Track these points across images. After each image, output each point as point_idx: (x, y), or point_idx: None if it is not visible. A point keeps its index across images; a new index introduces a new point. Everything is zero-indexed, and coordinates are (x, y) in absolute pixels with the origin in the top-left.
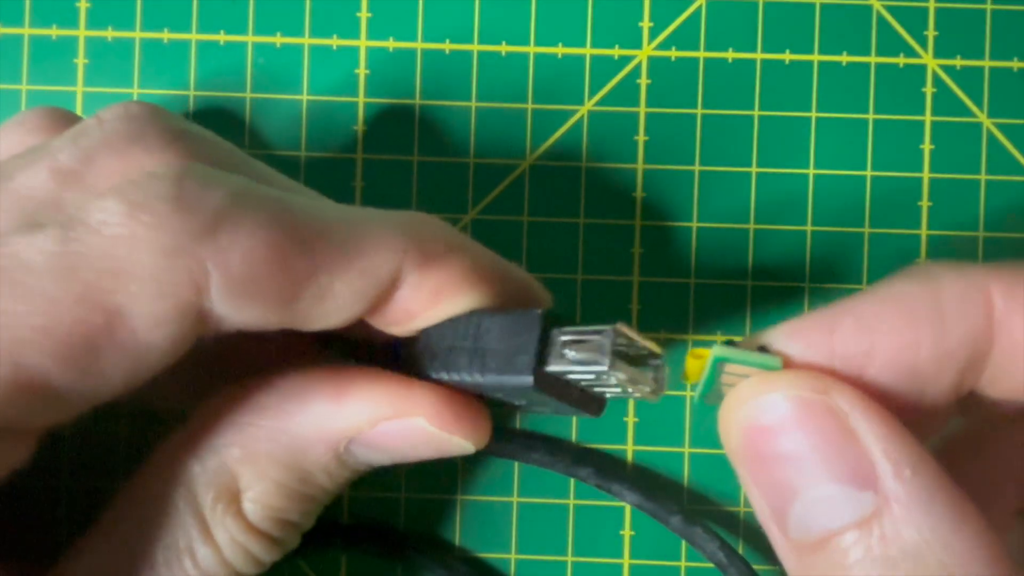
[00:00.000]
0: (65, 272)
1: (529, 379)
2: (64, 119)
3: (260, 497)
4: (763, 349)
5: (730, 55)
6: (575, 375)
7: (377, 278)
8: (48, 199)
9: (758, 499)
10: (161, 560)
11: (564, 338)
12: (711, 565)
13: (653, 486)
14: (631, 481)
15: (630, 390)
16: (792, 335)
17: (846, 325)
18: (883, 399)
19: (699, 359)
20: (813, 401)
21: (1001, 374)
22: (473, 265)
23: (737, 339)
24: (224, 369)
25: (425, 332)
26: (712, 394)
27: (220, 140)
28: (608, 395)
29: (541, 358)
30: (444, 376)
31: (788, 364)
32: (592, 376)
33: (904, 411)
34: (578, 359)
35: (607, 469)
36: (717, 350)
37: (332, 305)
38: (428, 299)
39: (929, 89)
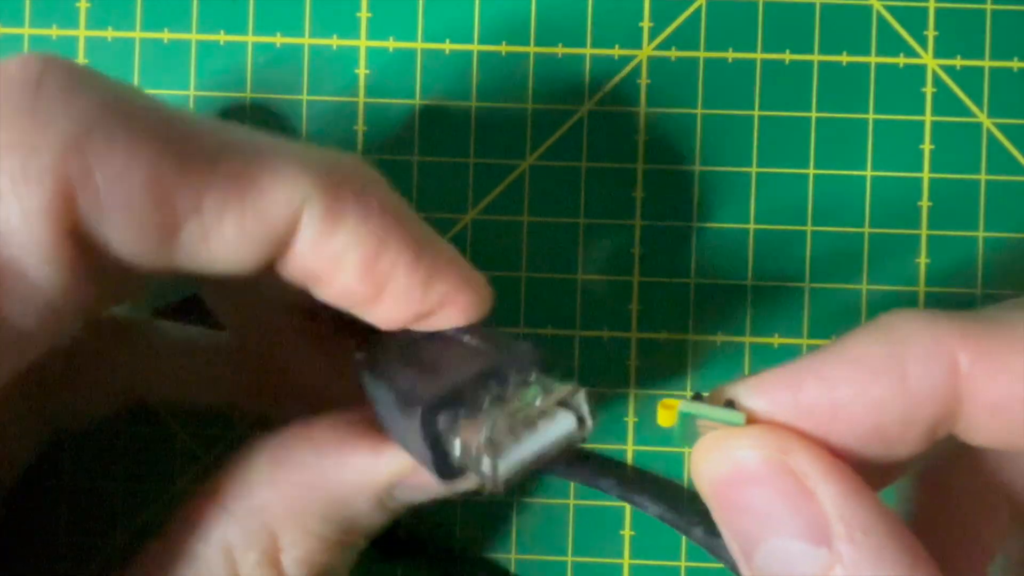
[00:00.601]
0: None
1: (416, 414)
2: None
3: (303, 555)
4: (730, 403)
5: (730, 55)
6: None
7: (270, 221)
8: None
9: (727, 538)
10: None
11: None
12: (711, 565)
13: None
14: (652, 493)
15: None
16: (757, 390)
17: (810, 384)
18: (849, 455)
19: (669, 409)
20: (773, 459)
21: (974, 429)
22: (392, 237)
23: (705, 394)
24: (241, 361)
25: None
26: (687, 438)
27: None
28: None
29: (447, 400)
30: (370, 388)
31: (752, 420)
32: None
33: (873, 461)
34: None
35: (629, 480)
36: (683, 406)
37: (219, 245)
38: (329, 262)
39: (929, 89)
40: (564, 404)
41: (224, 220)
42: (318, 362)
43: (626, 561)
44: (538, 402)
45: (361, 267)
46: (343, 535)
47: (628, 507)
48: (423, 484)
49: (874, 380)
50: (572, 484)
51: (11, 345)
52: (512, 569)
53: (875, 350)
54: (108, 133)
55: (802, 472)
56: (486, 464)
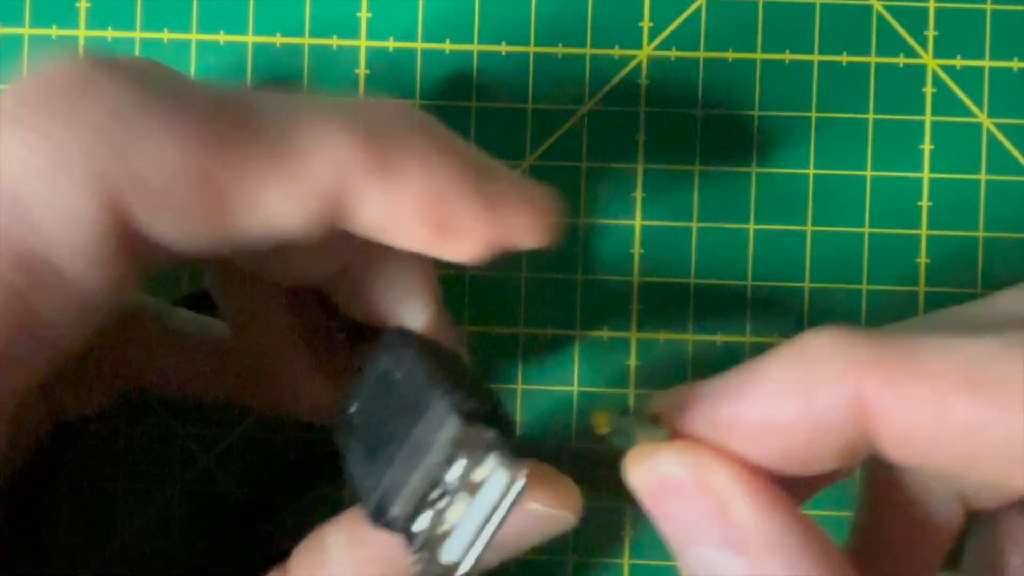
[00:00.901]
0: None
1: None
2: None
3: None
4: (656, 419)
5: (730, 55)
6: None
7: (316, 185)
8: None
9: (663, 537)
10: None
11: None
12: None
13: None
14: None
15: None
16: (678, 407)
17: (724, 402)
18: (767, 469)
19: (600, 420)
20: (691, 475)
21: (888, 451)
22: (446, 170)
23: (630, 408)
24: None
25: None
26: (625, 442)
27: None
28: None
29: (389, 496)
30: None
31: (674, 436)
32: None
33: (794, 476)
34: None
35: None
36: (611, 421)
37: (269, 215)
38: (387, 213)
39: (929, 89)
40: (487, 458)
41: (270, 191)
42: (312, 367)
43: (626, 561)
44: (460, 477)
45: (421, 212)
46: None
47: (628, 507)
48: (499, 542)
49: (781, 403)
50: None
51: (48, 345)
52: (512, 569)
53: (785, 373)
54: (143, 125)
55: (718, 487)
56: (424, 559)
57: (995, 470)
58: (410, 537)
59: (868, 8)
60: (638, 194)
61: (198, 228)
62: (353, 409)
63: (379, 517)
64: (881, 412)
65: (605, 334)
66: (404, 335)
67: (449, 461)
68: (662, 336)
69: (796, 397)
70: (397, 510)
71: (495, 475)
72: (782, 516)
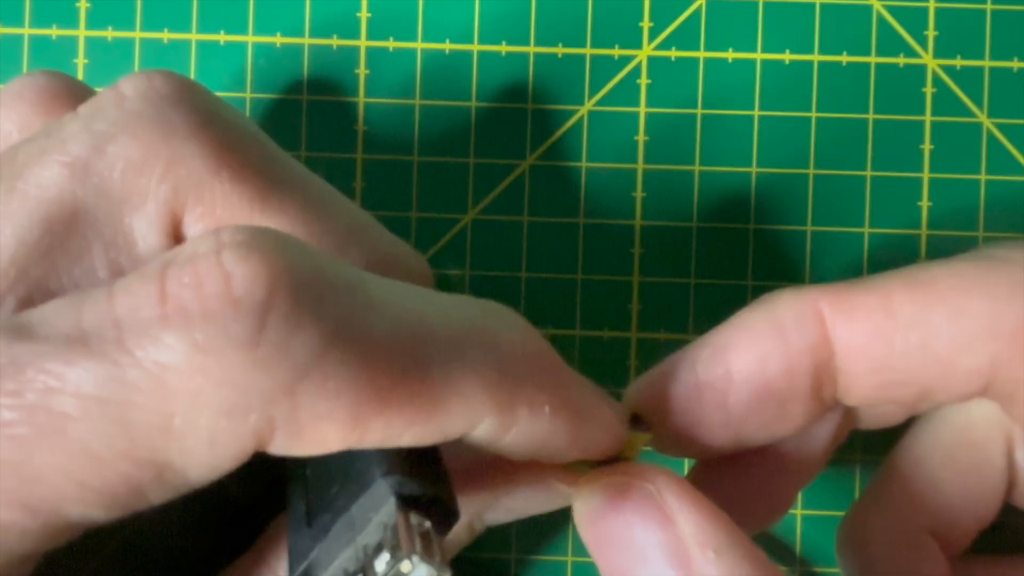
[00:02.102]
0: (109, 426)
1: None
2: (69, 89)
3: None
4: (636, 419)
5: (730, 55)
6: None
7: (446, 434)
8: (65, 200)
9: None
10: None
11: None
12: None
13: None
14: None
15: None
16: (662, 374)
17: (705, 354)
18: (750, 423)
19: None
20: (636, 486)
21: (849, 382)
22: (559, 425)
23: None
24: None
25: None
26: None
27: (253, 127)
28: None
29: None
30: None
31: (658, 428)
32: None
33: (772, 423)
34: None
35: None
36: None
37: (391, 444)
38: (498, 450)
39: (929, 89)
40: (416, 552)
41: (404, 437)
42: None
43: None
44: (386, 565)
45: (529, 454)
46: None
47: None
48: (513, 504)
49: (757, 338)
50: None
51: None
52: (512, 569)
53: (755, 315)
54: (323, 379)
55: (662, 497)
56: None
57: (927, 378)
58: None
59: (868, 8)
60: (638, 194)
61: (323, 452)
62: (309, 464)
63: None
64: (837, 330)
65: (605, 334)
66: None
67: (379, 547)
68: (662, 336)
69: (769, 330)
70: None
71: (417, 572)
72: (724, 525)
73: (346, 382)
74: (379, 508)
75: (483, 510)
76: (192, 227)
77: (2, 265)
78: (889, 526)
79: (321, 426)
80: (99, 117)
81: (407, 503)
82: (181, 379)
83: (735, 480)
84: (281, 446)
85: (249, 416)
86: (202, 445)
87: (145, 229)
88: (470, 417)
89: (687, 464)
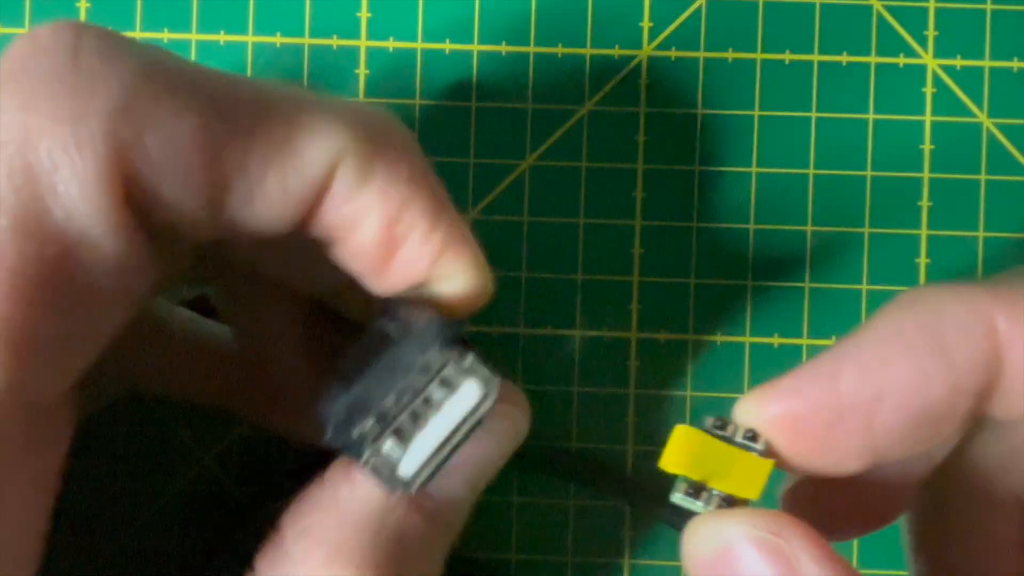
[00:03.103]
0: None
1: (327, 435)
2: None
3: None
4: (751, 435)
5: (730, 55)
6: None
7: (309, 177)
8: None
9: None
10: None
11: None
12: None
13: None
14: (606, 479)
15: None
16: (791, 390)
17: (850, 373)
18: (893, 446)
19: (684, 443)
20: (766, 541)
21: (1009, 397)
22: (415, 199)
23: (726, 419)
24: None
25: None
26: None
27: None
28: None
29: (351, 416)
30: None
31: (770, 450)
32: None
33: (918, 446)
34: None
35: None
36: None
37: (263, 203)
38: (353, 217)
39: (929, 89)
40: (463, 373)
41: (268, 177)
42: (314, 369)
43: (626, 561)
44: (429, 381)
45: (381, 225)
46: (397, 555)
47: (628, 507)
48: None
49: (916, 356)
50: (572, 484)
51: (99, 312)
52: (512, 569)
53: (910, 325)
54: (154, 95)
55: (794, 556)
56: (385, 472)
57: None
58: (367, 450)
59: (868, 8)
60: (638, 194)
61: (200, 205)
62: (342, 362)
63: (340, 433)
64: (1012, 345)
65: (605, 334)
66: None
67: (424, 376)
68: (662, 336)
69: (930, 346)
70: (361, 425)
71: (467, 391)
72: None
73: (185, 98)
74: (424, 346)
75: None
76: None
77: None
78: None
79: (173, 149)
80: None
81: (449, 341)
82: (24, 124)
83: (843, 491)
84: (154, 187)
85: (97, 143)
86: (73, 187)
87: None
88: (327, 145)
89: None
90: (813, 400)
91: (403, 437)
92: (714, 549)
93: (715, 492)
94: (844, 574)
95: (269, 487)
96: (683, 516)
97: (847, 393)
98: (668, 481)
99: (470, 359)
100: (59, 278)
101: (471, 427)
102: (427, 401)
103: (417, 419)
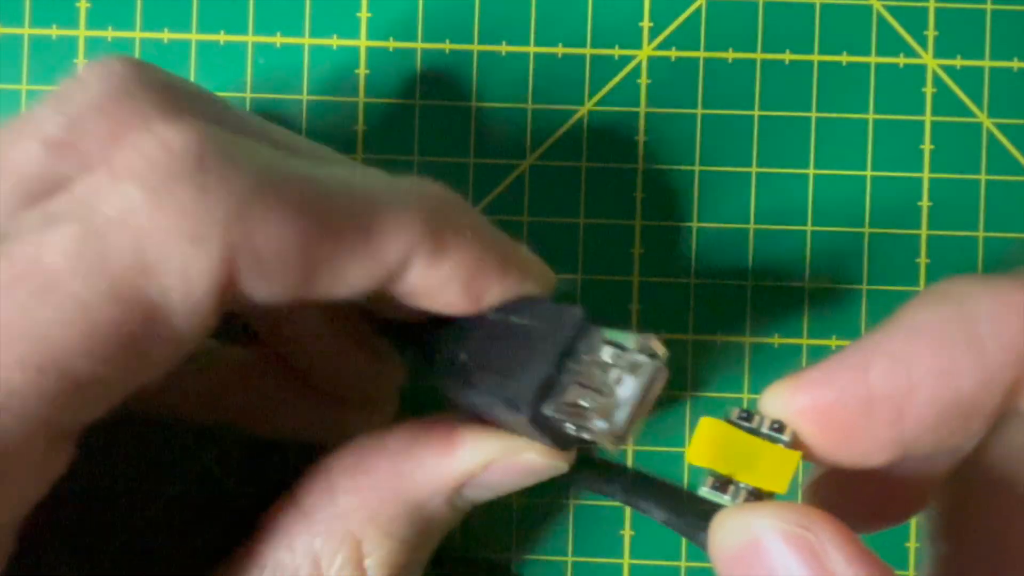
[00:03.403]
0: (92, 273)
1: (525, 414)
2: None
3: (385, 557)
4: (777, 426)
5: (730, 55)
6: (571, 423)
7: (388, 264)
8: (46, 176)
9: None
10: None
11: (576, 379)
12: (711, 566)
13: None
14: (657, 498)
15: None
16: (822, 381)
17: (879, 363)
18: (923, 439)
19: (712, 435)
20: (795, 535)
21: None
22: (484, 257)
23: (753, 411)
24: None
25: (456, 323)
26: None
27: (206, 92)
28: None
29: (544, 392)
30: (461, 396)
31: (797, 442)
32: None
33: (947, 439)
34: (578, 413)
35: (633, 486)
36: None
37: (343, 284)
38: (435, 286)
39: (929, 89)
40: (634, 350)
41: (351, 268)
42: (351, 361)
43: (626, 561)
44: (612, 359)
45: (463, 287)
46: (419, 536)
47: (628, 507)
48: (493, 482)
49: (949, 348)
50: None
51: (155, 368)
52: (512, 569)
53: (942, 317)
54: (265, 203)
55: (823, 550)
56: (603, 425)
57: None
58: (569, 422)
59: (868, 8)
60: (638, 194)
61: (287, 291)
62: (463, 358)
63: (538, 410)
64: None
65: None
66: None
67: (589, 355)
68: (662, 336)
69: (964, 338)
70: (556, 402)
71: (640, 356)
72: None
73: (289, 206)
74: (582, 332)
75: (461, 485)
76: None
77: None
78: None
79: (276, 252)
80: (67, 102)
81: (595, 321)
82: (142, 218)
83: (867, 484)
84: (251, 282)
85: (210, 241)
86: (176, 278)
87: None
88: (404, 241)
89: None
90: (843, 391)
91: (600, 406)
92: (742, 543)
93: (742, 486)
94: (873, 568)
95: (269, 487)
96: (710, 510)
97: (877, 384)
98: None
99: (632, 337)
100: (130, 342)
101: (654, 393)
102: (604, 372)
103: (602, 390)
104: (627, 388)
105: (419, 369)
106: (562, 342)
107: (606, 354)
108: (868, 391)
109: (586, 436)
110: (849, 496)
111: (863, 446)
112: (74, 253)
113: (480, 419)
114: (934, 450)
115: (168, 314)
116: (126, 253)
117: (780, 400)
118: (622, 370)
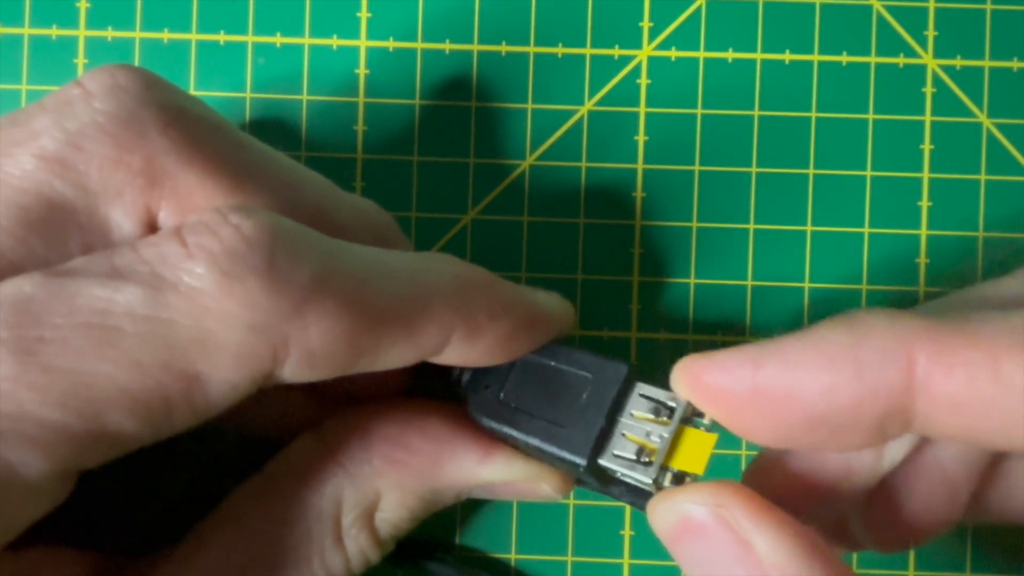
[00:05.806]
0: (155, 340)
1: (582, 461)
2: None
3: (393, 519)
4: (697, 413)
5: (730, 55)
6: (624, 474)
7: (426, 350)
8: (41, 193)
9: None
10: (290, 557)
11: (626, 432)
12: None
13: None
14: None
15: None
16: (720, 366)
17: (770, 363)
18: (800, 439)
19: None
20: (712, 513)
21: (931, 425)
22: (516, 326)
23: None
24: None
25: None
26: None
27: (217, 118)
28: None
29: (600, 443)
30: (504, 430)
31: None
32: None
33: (826, 443)
34: (630, 465)
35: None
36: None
37: (381, 365)
38: (471, 360)
39: (929, 89)
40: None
41: (391, 354)
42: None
43: (626, 561)
44: (652, 412)
45: (496, 354)
46: (423, 512)
47: (628, 507)
48: (500, 492)
49: (830, 365)
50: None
51: (163, 434)
52: (512, 569)
53: (836, 338)
54: (323, 300)
55: (738, 524)
56: (646, 477)
57: None
58: (621, 471)
59: (868, 8)
60: (638, 194)
61: (327, 376)
62: (503, 395)
63: (594, 460)
64: (930, 382)
65: (605, 334)
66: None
67: (637, 408)
68: (662, 336)
69: (846, 360)
70: (608, 452)
71: (672, 403)
72: (803, 548)
73: (342, 304)
74: (624, 383)
75: (482, 484)
76: (167, 217)
77: None
78: None
79: (326, 346)
80: (69, 115)
81: (634, 373)
82: (213, 301)
83: (792, 479)
84: (294, 367)
85: (269, 332)
86: (229, 358)
87: (121, 219)
88: (442, 331)
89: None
90: (733, 377)
91: (647, 455)
92: (674, 523)
93: (669, 469)
94: (782, 527)
95: None
96: (642, 495)
97: (763, 382)
98: None
99: (664, 393)
100: (165, 407)
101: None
102: (645, 425)
103: (647, 443)
104: (666, 443)
105: (431, 380)
106: (611, 397)
107: (646, 407)
108: (754, 384)
109: (629, 481)
110: (776, 487)
111: (747, 428)
112: (141, 317)
113: (502, 439)
114: (814, 449)
115: (208, 388)
116: (190, 329)
117: (681, 373)
118: (661, 426)
